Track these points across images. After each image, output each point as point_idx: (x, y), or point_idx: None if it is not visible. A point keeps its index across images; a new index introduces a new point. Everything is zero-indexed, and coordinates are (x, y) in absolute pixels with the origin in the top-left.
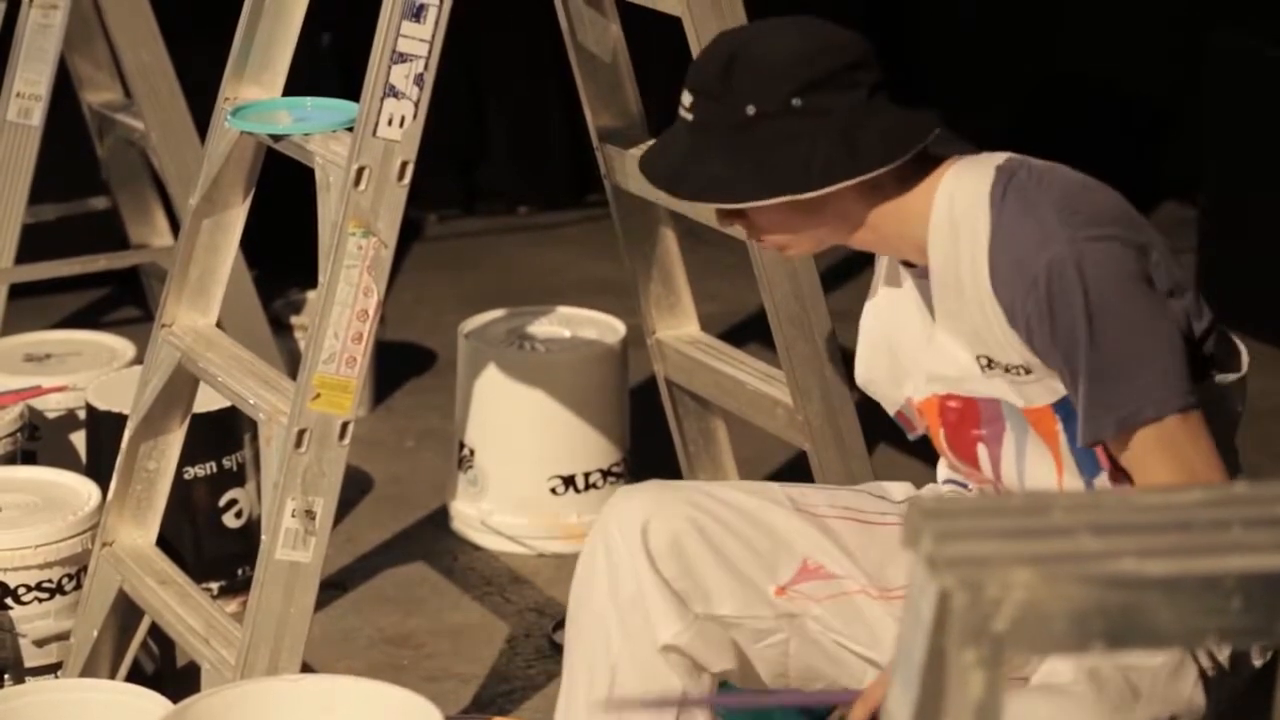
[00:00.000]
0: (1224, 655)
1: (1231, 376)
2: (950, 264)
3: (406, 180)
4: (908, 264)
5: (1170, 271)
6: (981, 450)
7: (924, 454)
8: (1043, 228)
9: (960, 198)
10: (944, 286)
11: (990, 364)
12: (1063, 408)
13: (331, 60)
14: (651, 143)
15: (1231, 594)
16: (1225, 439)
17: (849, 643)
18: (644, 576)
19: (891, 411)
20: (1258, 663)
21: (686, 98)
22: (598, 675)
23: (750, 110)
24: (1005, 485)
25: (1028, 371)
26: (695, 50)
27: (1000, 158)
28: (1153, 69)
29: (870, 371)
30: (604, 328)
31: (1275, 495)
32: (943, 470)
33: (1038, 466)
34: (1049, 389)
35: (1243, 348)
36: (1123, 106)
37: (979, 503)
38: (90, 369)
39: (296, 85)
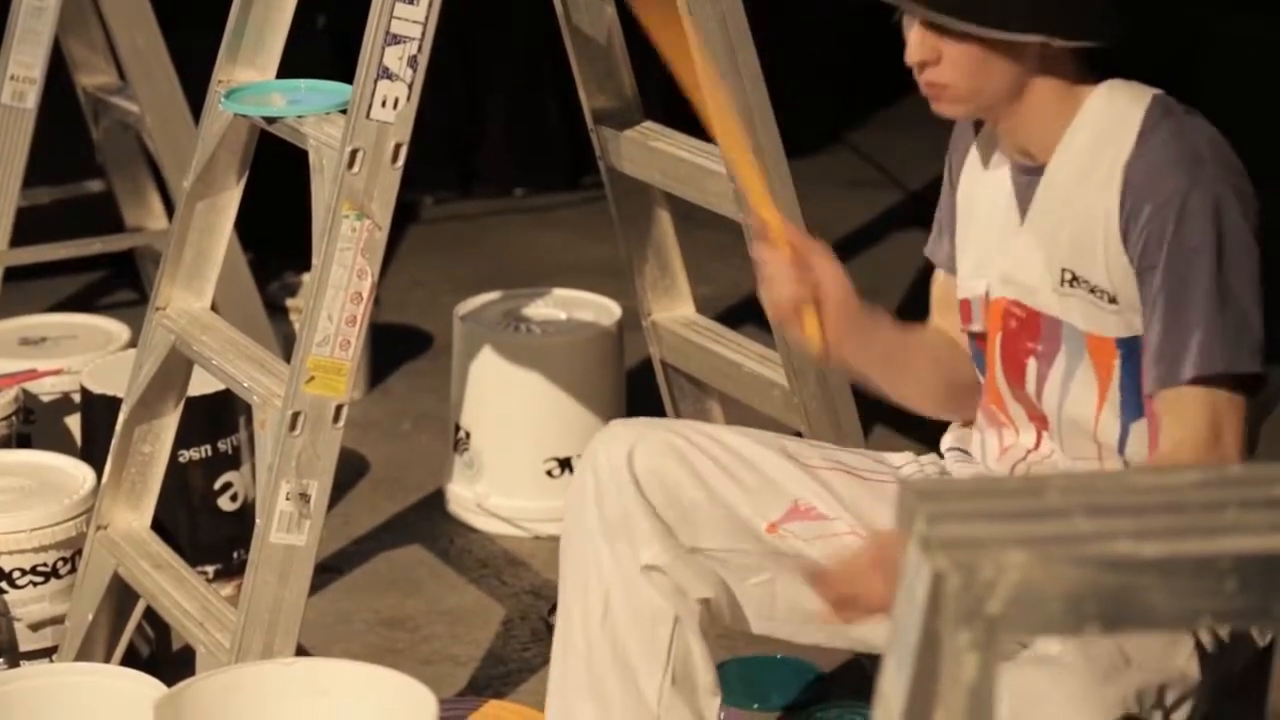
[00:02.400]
0: (1225, 631)
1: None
2: (1081, 162)
3: (400, 162)
4: (1019, 157)
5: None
6: (1031, 365)
7: (922, 435)
8: (1195, 155)
9: (1116, 105)
10: (1059, 186)
11: (1074, 280)
12: (1126, 344)
13: (327, 42)
14: None
15: (1226, 575)
16: (1255, 426)
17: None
18: (629, 499)
19: (960, 295)
20: (1261, 643)
21: None
22: (592, 598)
23: None
24: (1043, 407)
25: (1112, 300)
26: (690, 31)
27: (1156, 90)
28: (1152, 56)
29: (953, 251)
30: (600, 310)
31: (1270, 477)
32: (947, 438)
33: (1082, 395)
34: (1124, 323)
35: None
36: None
37: (973, 484)
38: (85, 352)
39: (292, 67)
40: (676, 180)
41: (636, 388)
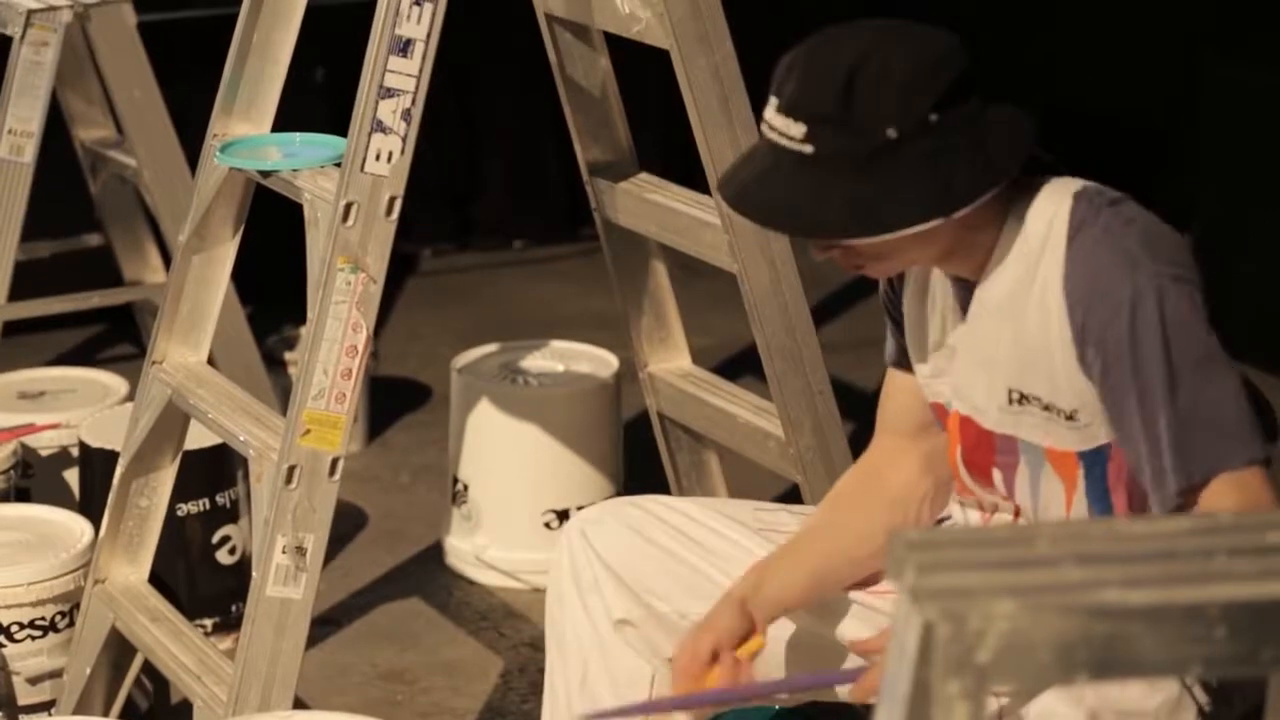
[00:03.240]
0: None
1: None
2: (1016, 283)
3: (395, 215)
4: (955, 278)
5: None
6: (996, 473)
7: None
8: (1128, 256)
9: (1041, 214)
10: (993, 309)
11: (1023, 399)
12: (1089, 457)
13: (325, 95)
14: (733, 176)
15: (1216, 623)
16: None
17: (814, 627)
18: (597, 568)
19: (930, 399)
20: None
21: (796, 128)
22: (571, 665)
23: (890, 133)
24: (1017, 502)
25: (1070, 417)
26: (684, 84)
27: (1077, 184)
28: (1148, 97)
29: (914, 361)
30: (597, 362)
31: (1258, 524)
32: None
33: (1051, 497)
34: (1085, 436)
35: (1274, 413)
36: (1117, 134)
37: (963, 534)
38: (84, 406)
39: (290, 120)
40: (672, 232)
41: (634, 440)
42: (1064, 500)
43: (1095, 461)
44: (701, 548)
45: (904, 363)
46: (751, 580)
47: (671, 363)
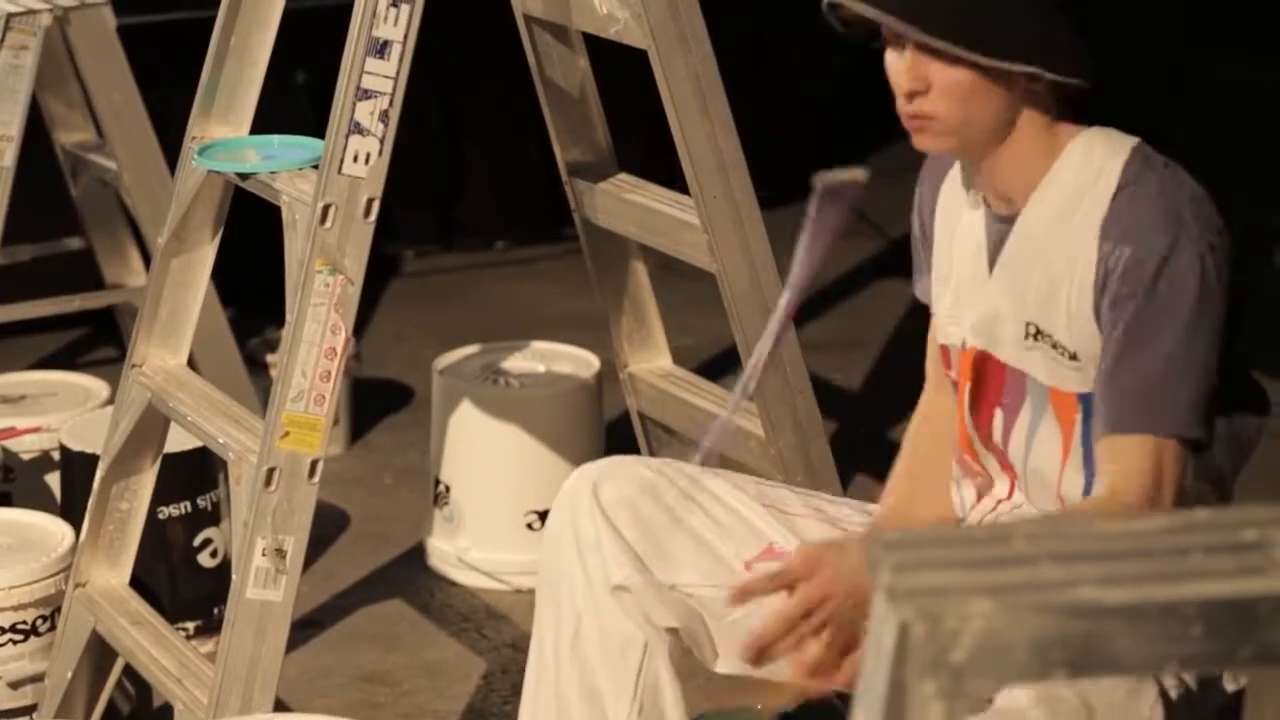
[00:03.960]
0: (1190, 677)
1: (1252, 419)
2: (1056, 212)
3: (373, 217)
4: (995, 202)
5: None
6: (997, 415)
7: None
8: (1176, 213)
9: (1094, 155)
10: (1032, 237)
11: (1037, 335)
12: (1088, 400)
13: (306, 97)
14: None
15: (1192, 621)
16: (1231, 474)
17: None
18: (600, 525)
19: (940, 340)
20: (1230, 688)
21: None
22: (564, 621)
23: None
24: (1011, 458)
25: (1073, 357)
26: (663, 84)
27: (1135, 140)
28: (1135, 97)
29: (935, 299)
30: (578, 362)
31: (1235, 521)
32: None
33: (1046, 450)
34: (1085, 378)
35: (1264, 392)
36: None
37: (939, 533)
38: (65, 410)
39: (271, 123)
40: (651, 232)
41: (616, 439)
42: (1060, 448)
43: (1092, 407)
44: (710, 519)
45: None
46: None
47: (652, 363)
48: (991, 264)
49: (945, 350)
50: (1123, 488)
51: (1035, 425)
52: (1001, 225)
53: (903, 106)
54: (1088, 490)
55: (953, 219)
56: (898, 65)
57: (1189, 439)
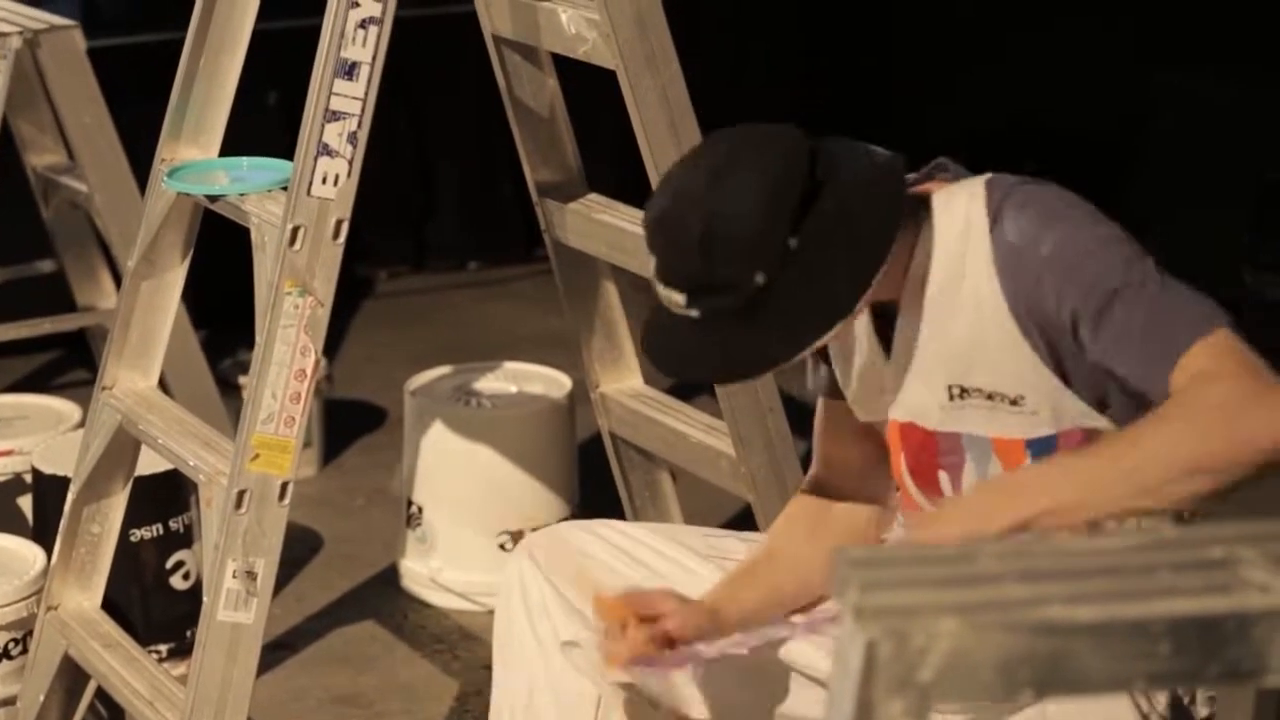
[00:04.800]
0: (1161, 705)
1: None
2: (941, 285)
3: (342, 238)
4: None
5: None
6: (942, 476)
7: None
8: (1047, 215)
9: (956, 213)
10: (920, 314)
11: (963, 393)
12: (1036, 445)
13: (279, 118)
14: (649, 340)
15: (1160, 638)
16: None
17: (760, 656)
18: (545, 590)
19: (861, 419)
20: (1204, 711)
21: (677, 297)
22: (517, 684)
23: (760, 279)
24: None
25: (1014, 402)
26: (631, 104)
27: (983, 177)
28: (1100, 111)
29: (842, 385)
30: (550, 382)
31: (1202, 539)
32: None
33: None
34: (1030, 423)
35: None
36: (1069, 148)
37: (907, 552)
38: (36, 433)
39: (244, 143)
40: (621, 252)
41: (588, 460)
42: None
43: (1042, 450)
44: (651, 572)
45: (835, 391)
46: (723, 593)
47: (623, 383)
48: (887, 352)
49: (868, 426)
50: (1216, 376)
51: (984, 475)
52: (882, 319)
53: None
54: None
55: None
56: None
57: (1223, 323)
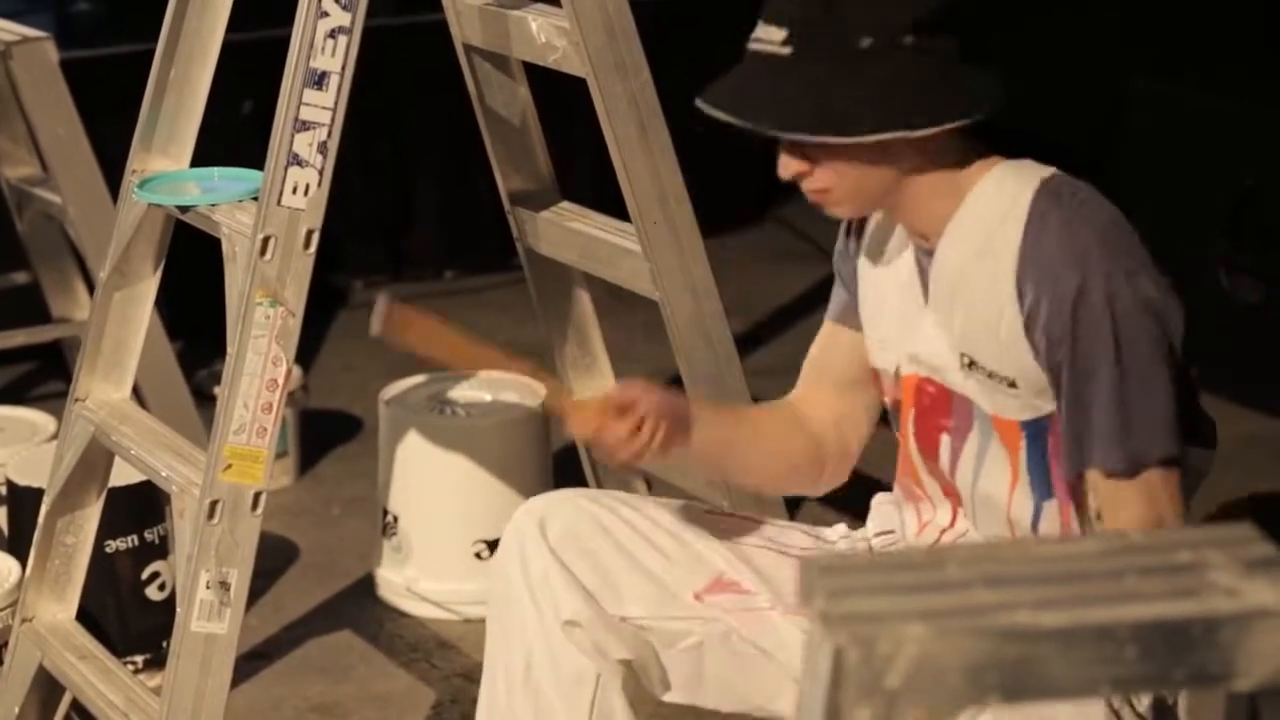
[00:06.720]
0: (1143, 705)
1: (1203, 451)
2: (969, 249)
3: (313, 248)
4: (918, 239)
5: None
6: (944, 441)
7: (849, 511)
8: (1082, 248)
9: (1005, 191)
10: (949, 272)
11: (971, 364)
12: (1031, 426)
13: (253, 128)
14: (711, 86)
15: (1126, 643)
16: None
17: (762, 646)
18: (548, 560)
19: (872, 363)
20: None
21: (776, 32)
22: (515, 657)
23: (865, 42)
24: (957, 484)
25: (1012, 385)
26: (602, 111)
27: (1046, 170)
28: (1074, 117)
29: (866, 324)
30: (525, 391)
31: (1168, 543)
32: (872, 521)
33: (995, 474)
34: (1026, 406)
35: (1214, 424)
36: (1044, 151)
37: (874, 559)
38: (11, 444)
39: (218, 153)
40: (594, 260)
41: (563, 468)
42: (1009, 473)
43: (1037, 432)
44: (657, 550)
45: (848, 319)
46: (703, 412)
47: (597, 391)
48: (926, 295)
49: (877, 374)
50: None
51: (983, 451)
52: (928, 259)
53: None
54: (1037, 513)
55: (882, 251)
56: (780, 155)
57: (1170, 459)
